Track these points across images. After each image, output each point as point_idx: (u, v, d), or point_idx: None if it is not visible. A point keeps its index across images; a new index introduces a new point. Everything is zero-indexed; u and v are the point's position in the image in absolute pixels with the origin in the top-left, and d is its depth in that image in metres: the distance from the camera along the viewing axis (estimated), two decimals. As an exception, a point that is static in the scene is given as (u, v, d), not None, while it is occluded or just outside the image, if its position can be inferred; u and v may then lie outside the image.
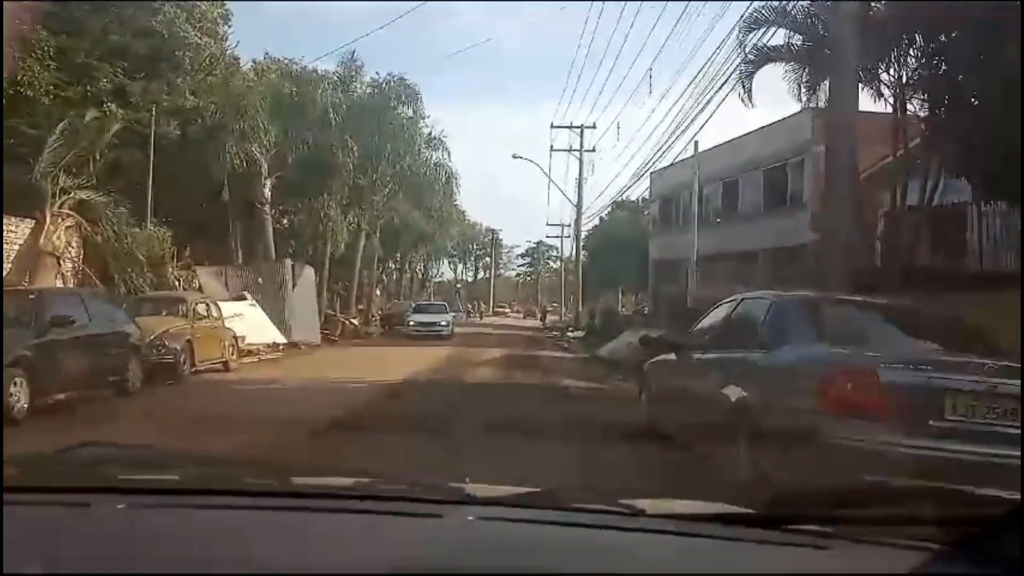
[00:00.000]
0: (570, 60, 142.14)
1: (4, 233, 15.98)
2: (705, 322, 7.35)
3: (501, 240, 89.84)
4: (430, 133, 34.06)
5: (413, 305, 36.09)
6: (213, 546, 1.02)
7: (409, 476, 1.63)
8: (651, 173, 31.81)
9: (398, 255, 47.59)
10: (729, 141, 26.23)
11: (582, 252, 51.78)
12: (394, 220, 41.37)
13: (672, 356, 7.46)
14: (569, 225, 63.49)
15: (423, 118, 32.79)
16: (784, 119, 23.70)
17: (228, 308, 16.55)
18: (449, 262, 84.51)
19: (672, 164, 27.70)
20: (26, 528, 1.02)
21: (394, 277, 51.65)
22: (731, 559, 1.06)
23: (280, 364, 16.95)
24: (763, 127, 25.08)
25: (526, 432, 7.04)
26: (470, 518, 1.17)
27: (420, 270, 58.39)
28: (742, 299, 6.90)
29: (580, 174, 36.23)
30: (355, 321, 34.52)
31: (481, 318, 55.56)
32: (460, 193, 42.22)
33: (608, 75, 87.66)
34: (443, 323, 29.25)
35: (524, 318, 60.97)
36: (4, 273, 15.56)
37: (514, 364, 17.99)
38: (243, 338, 16.60)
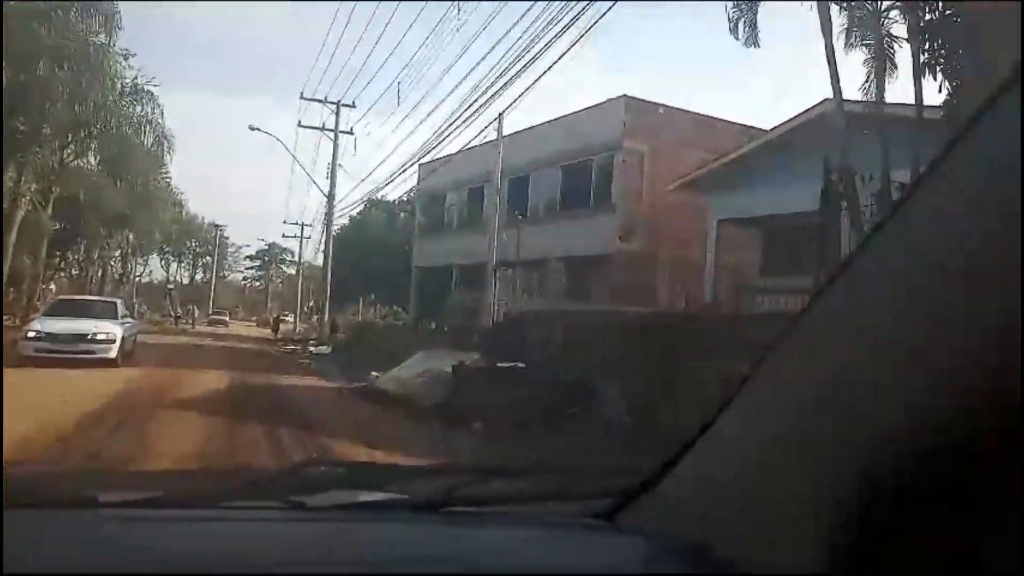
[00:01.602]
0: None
1: None
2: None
3: (227, 238, 78.93)
4: (135, 79, 25.78)
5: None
6: None
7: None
8: (420, 165, 26.76)
9: (81, 241, 37.08)
10: (530, 128, 21.89)
11: (320, 249, 45.25)
12: (79, 193, 31.68)
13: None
14: (310, 225, 56.53)
15: (126, 56, 24.51)
16: (599, 104, 19.95)
17: None
18: (161, 259, 72.00)
19: (451, 155, 22.75)
20: None
21: (77, 272, 40.55)
22: (386, 542, 1.06)
23: None
24: (573, 113, 21.16)
25: None
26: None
27: (116, 264, 47.09)
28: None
29: (334, 157, 29.96)
30: None
31: (194, 326, 45.42)
32: (172, 167, 33.77)
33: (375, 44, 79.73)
34: (102, 336, 15.24)
35: (258, 327, 52.12)
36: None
37: (249, 405, 10.71)
38: None
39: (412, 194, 39.10)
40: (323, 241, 32.56)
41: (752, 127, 18.03)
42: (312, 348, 27.81)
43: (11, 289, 30.18)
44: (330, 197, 29.96)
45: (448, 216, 27.75)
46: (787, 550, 0.79)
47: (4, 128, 19.82)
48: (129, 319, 18.91)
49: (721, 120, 19.21)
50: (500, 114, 18.46)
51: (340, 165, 29.58)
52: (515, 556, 1.01)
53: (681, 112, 19.29)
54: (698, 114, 19.65)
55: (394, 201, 39.99)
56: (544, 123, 21.89)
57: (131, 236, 44.56)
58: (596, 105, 20.10)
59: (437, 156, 22.04)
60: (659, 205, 18.18)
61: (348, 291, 36.40)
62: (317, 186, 31.48)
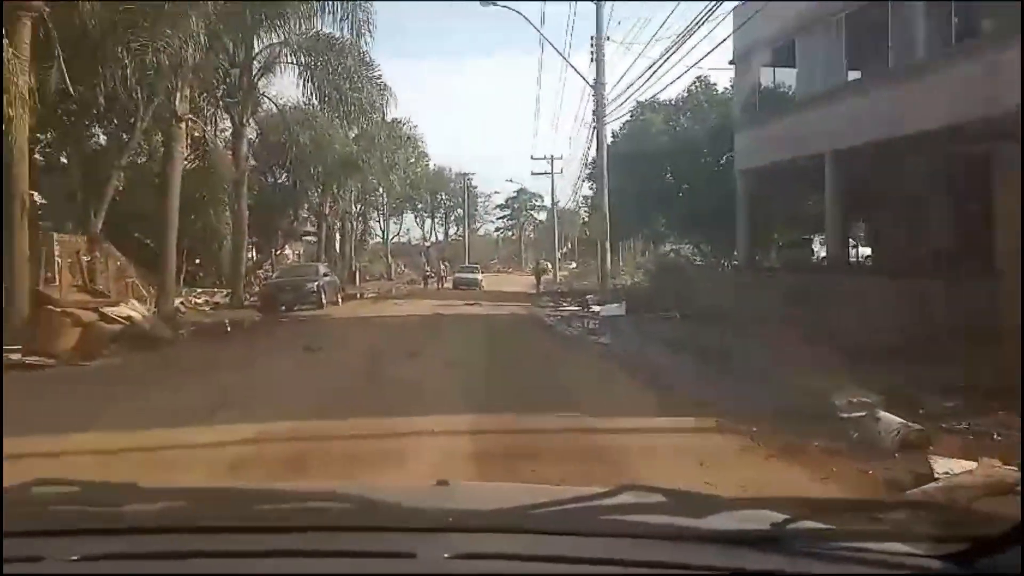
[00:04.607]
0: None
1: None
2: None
3: (475, 187, 73.86)
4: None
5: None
6: None
7: (379, 494, 1.42)
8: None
9: (313, 194, 31.83)
10: None
11: (587, 187, 36.50)
12: (298, 135, 25.74)
13: None
14: (560, 158, 48.23)
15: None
16: None
17: None
18: (416, 217, 68.65)
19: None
20: None
21: (314, 231, 35.74)
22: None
23: None
24: None
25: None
26: (445, 556, 1.08)
27: (356, 220, 42.17)
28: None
29: (598, 29, 20.60)
30: (195, 304, 19.44)
31: (440, 286, 38.37)
32: (395, 103, 27.10)
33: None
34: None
35: (516, 275, 45.04)
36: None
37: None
38: None
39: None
40: (590, 151, 23.59)
41: None
42: (596, 307, 19.13)
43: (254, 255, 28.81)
44: (598, 84, 20.69)
45: (811, 65, 16.85)
46: None
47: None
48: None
49: None
50: None
51: (607, 37, 20.12)
52: None
53: None
54: None
55: (674, 101, 29.93)
56: None
57: (371, 189, 39.42)
58: None
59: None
60: None
61: (624, 225, 27.25)
62: (577, 71, 22.45)
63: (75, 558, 1.06)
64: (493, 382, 7.80)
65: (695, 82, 29.71)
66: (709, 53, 20.08)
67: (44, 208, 23.06)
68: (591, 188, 35.54)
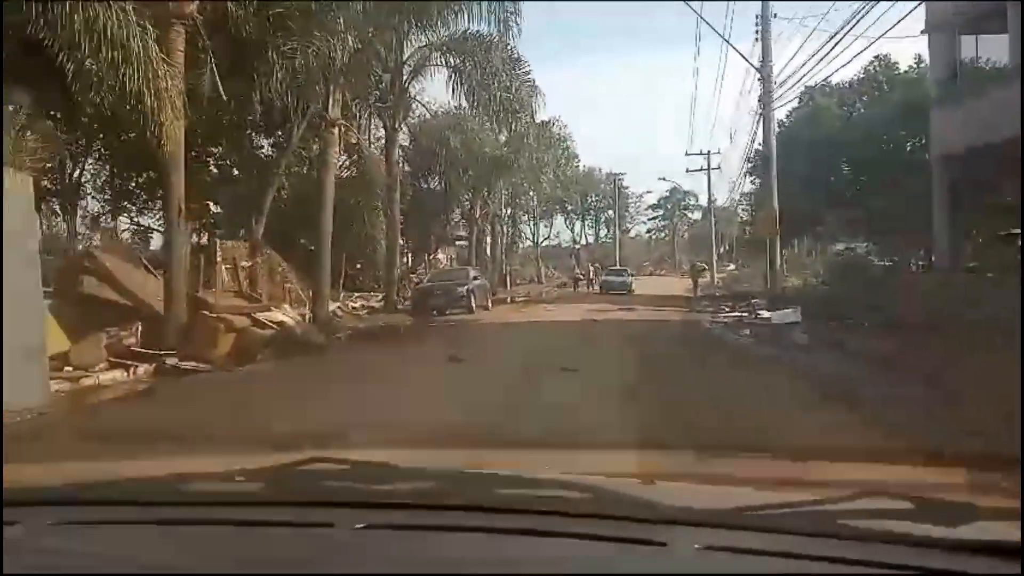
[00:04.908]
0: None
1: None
2: None
3: (626, 187, 71.99)
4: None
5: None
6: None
7: (606, 484, 1.45)
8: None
9: (464, 199, 31.74)
10: None
11: (749, 181, 34.07)
12: (449, 139, 25.60)
13: None
14: (717, 152, 45.74)
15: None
16: None
17: None
18: (565, 219, 67.95)
19: None
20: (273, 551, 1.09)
21: (465, 235, 35.69)
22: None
23: None
24: None
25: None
26: (696, 547, 1.10)
27: (506, 223, 41.81)
28: None
29: (764, 6, 18.74)
30: (352, 307, 19.55)
31: (588, 288, 36.54)
32: (544, 103, 26.34)
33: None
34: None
35: (672, 277, 42.91)
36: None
37: None
38: None
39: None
40: (753, 144, 21.64)
41: None
42: (764, 313, 17.31)
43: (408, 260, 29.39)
44: (765, 65, 18.82)
45: None
46: None
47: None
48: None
49: None
50: None
51: (774, 15, 18.25)
52: None
53: None
54: None
55: (849, 83, 27.11)
56: None
57: (521, 192, 39.01)
58: None
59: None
60: None
61: (791, 222, 24.84)
62: (740, 53, 20.75)
63: (360, 526, 1.18)
64: (662, 407, 6.61)
65: (873, 61, 26.79)
66: (898, 22, 17.59)
67: (217, 217, 24.42)
68: (753, 183, 33.19)
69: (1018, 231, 19.57)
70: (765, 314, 17.01)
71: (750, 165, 32.56)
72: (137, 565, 1.09)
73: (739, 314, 18.81)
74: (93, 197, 22.07)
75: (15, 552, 1.10)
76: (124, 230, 23.69)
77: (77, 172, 18.99)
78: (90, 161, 19.98)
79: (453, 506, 1.25)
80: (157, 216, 19.88)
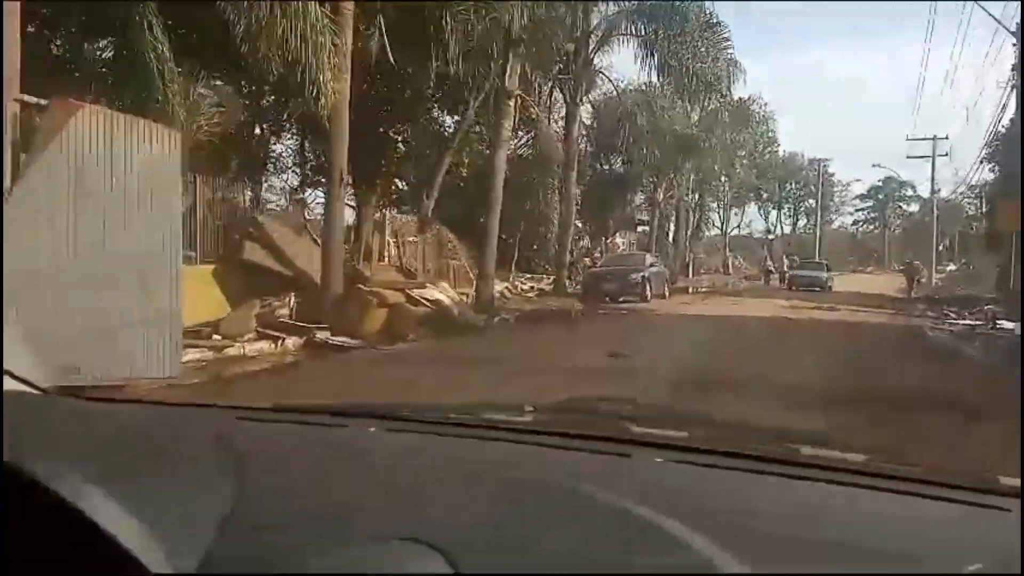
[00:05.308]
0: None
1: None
2: None
3: (832, 175, 65.98)
4: None
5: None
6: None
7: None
8: None
9: (649, 182, 29.88)
10: None
11: (987, 168, 29.35)
12: (635, 115, 23.99)
13: None
14: (945, 138, 40.15)
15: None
16: None
17: None
18: (759, 208, 63.46)
19: None
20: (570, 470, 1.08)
21: (646, 219, 33.75)
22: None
23: None
24: None
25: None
26: (658, 460, 1.14)
27: (693, 209, 39.13)
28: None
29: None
30: (519, 287, 18.79)
31: (781, 282, 32.43)
32: (744, 79, 23.97)
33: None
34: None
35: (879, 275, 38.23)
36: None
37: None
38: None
39: None
40: (997, 125, 18.03)
41: None
42: (1006, 323, 14.20)
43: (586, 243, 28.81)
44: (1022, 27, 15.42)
45: None
46: None
47: None
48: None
49: None
50: None
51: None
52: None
53: None
54: None
55: None
56: None
57: (712, 176, 36.41)
58: None
59: None
60: None
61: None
62: (989, 13, 17.22)
63: (659, 460, 1.16)
64: (888, 445, 4.85)
65: None
66: None
67: (403, 193, 24.57)
68: (992, 170, 28.51)
69: None
70: (1007, 325, 13.98)
71: (988, 151, 28.06)
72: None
73: (970, 322, 15.74)
74: (291, 169, 22.75)
75: None
76: (314, 200, 24.44)
77: (268, 140, 19.47)
78: (282, 132, 20.48)
79: (745, 455, 1.16)
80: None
